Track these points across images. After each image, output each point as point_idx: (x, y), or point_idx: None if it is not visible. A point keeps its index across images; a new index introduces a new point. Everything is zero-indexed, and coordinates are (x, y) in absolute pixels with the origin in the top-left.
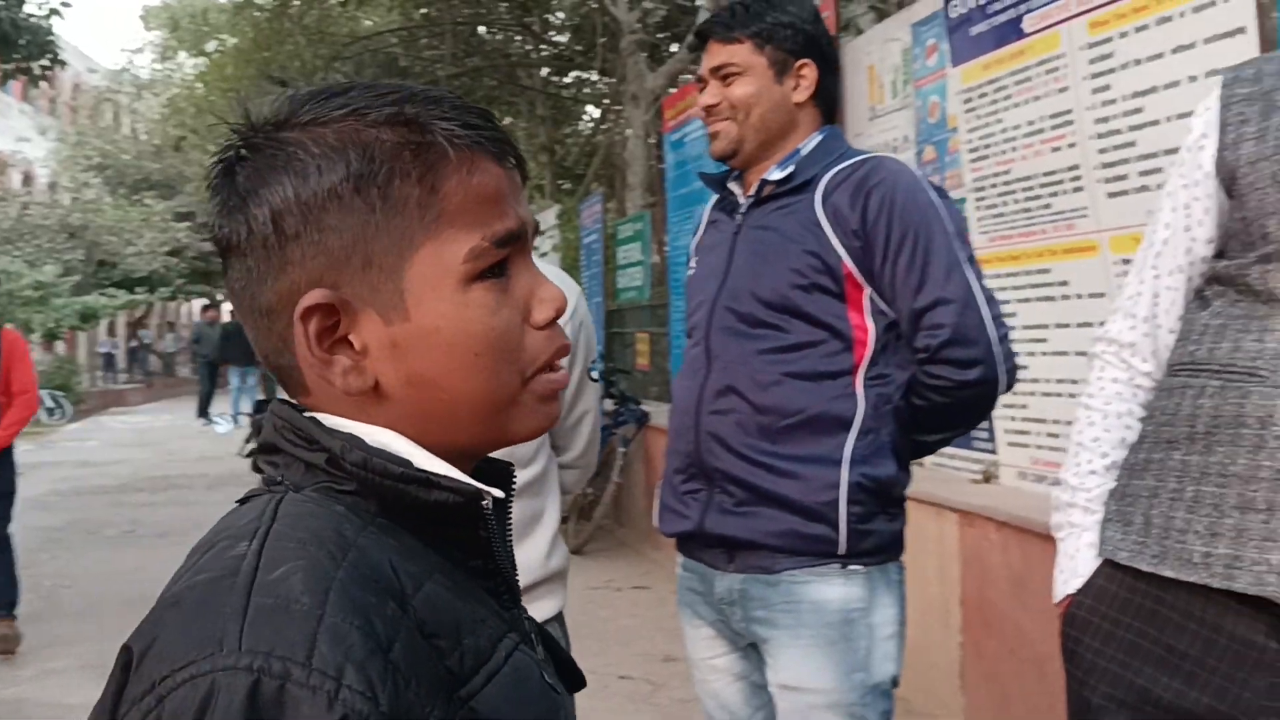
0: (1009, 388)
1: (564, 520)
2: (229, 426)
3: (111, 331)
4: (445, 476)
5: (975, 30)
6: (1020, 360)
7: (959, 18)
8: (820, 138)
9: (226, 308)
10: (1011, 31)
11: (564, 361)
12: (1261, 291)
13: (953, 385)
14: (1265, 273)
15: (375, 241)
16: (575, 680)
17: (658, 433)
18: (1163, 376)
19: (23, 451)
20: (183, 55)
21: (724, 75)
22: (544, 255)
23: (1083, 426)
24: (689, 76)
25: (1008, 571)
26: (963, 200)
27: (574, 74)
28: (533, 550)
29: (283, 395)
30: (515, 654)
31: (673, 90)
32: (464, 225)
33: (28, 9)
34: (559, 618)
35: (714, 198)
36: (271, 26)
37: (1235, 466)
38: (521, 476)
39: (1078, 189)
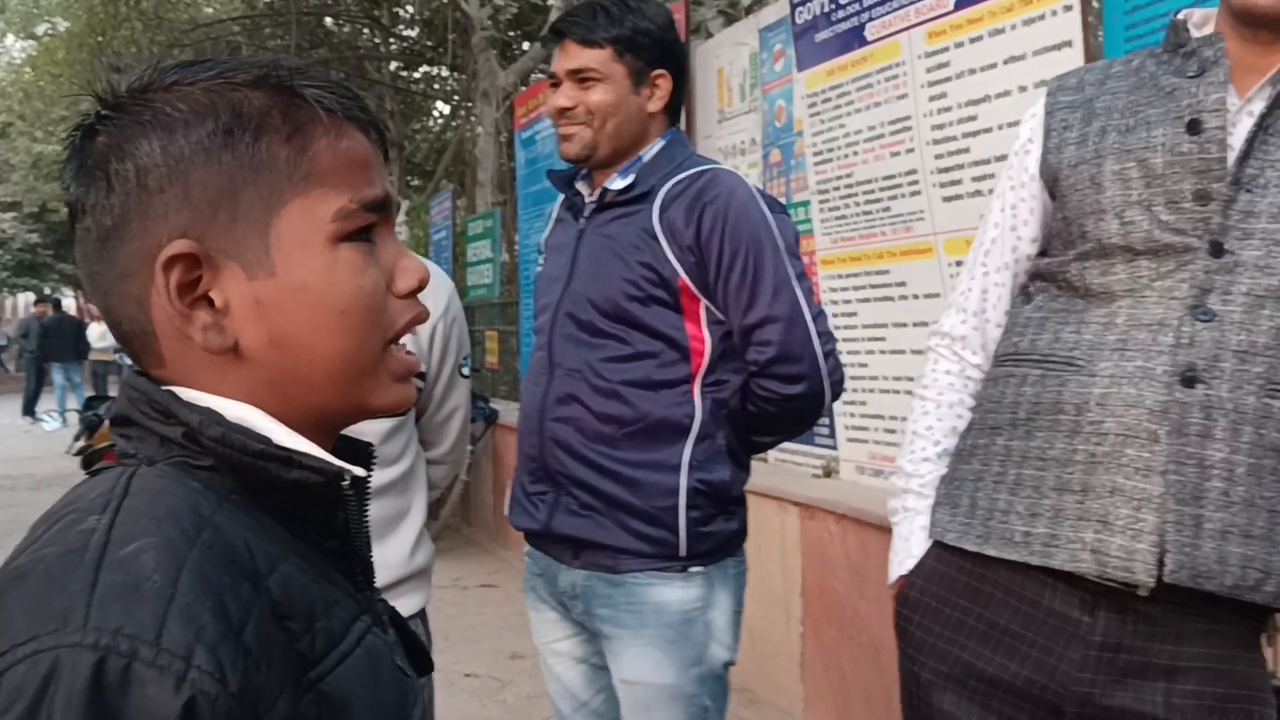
0: (835, 399)
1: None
2: (57, 424)
3: None
4: (305, 454)
5: (820, 37)
6: (860, 359)
7: (805, 24)
8: (662, 144)
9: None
10: (854, 39)
11: (425, 347)
12: (1079, 287)
13: (780, 398)
14: (1083, 269)
15: (242, 195)
16: (424, 665)
17: (506, 431)
18: (991, 367)
19: None
20: (10, 38)
21: (581, 79)
22: None
23: (917, 416)
24: (540, 75)
25: (846, 562)
26: (807, 203)
27: (424, 69)
28: (397, 548)
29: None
30: (367, 637)
31: (524, 88)
32: (333, 185)
33: None
34: (422, 614)
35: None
36: (106, 10)
37: (1053, 450)
38: (387, 475)
39: (915, 193)
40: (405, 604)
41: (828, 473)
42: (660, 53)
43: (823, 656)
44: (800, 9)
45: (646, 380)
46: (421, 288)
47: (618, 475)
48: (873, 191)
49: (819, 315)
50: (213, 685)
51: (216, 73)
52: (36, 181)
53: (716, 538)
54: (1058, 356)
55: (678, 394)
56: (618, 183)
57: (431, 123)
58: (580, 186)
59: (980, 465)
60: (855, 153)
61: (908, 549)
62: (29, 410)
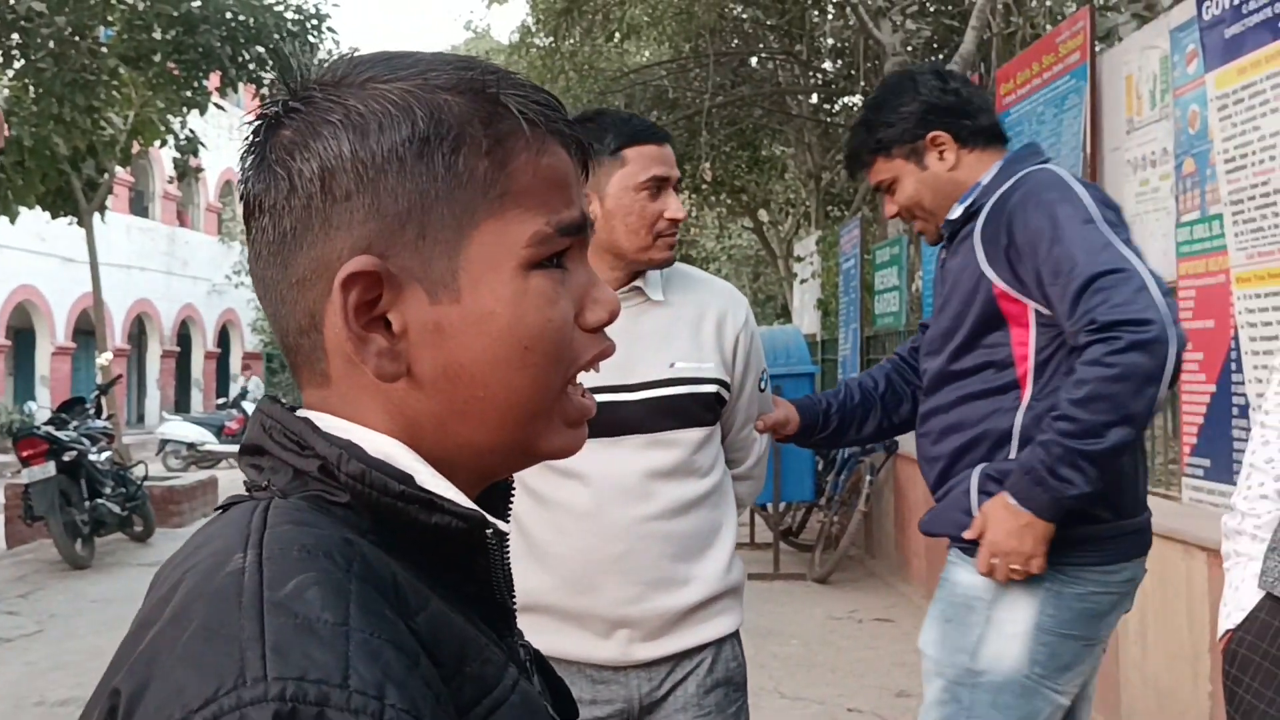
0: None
1: (809, 549)
2: None
3: None
4: (448, 500)
5: (1229, 32)
6: None
7: (1213, 19)
8: (999, 165)
9: None
10: (1267, 32)
11: (729, 360)
12: None
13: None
14: None
15: (434, 211)
16: (569, 710)
17: (907, 461)
18: None
19: None
20: None
21: (885, 189)
22: (804, 282)
23: (1255, 446)
24: None
25: None
26: (1218, 217)
27: (842, 100)
28: (714, 563)
29: (272, 394)
30: (520, 684)
31: None
32: (530, 207)
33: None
34: (735, 636)
35: None
36: (545, 64)
37: None
38: (700, 486)
39: None
40: (720, 624)
41: None
42: (918, 122)
43: None
44: (1208, 3)
45: (977, 392)
46: (611, 321)
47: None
48: None
49: (1156, 276)
50: None
51: (417, 71)
52: (245, 149)
53: None
54: None
55: (1008, 399)
56: (955, 211)
57: None
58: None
59: None
60: (1272, 158)
61: (1237, 600)
62: None
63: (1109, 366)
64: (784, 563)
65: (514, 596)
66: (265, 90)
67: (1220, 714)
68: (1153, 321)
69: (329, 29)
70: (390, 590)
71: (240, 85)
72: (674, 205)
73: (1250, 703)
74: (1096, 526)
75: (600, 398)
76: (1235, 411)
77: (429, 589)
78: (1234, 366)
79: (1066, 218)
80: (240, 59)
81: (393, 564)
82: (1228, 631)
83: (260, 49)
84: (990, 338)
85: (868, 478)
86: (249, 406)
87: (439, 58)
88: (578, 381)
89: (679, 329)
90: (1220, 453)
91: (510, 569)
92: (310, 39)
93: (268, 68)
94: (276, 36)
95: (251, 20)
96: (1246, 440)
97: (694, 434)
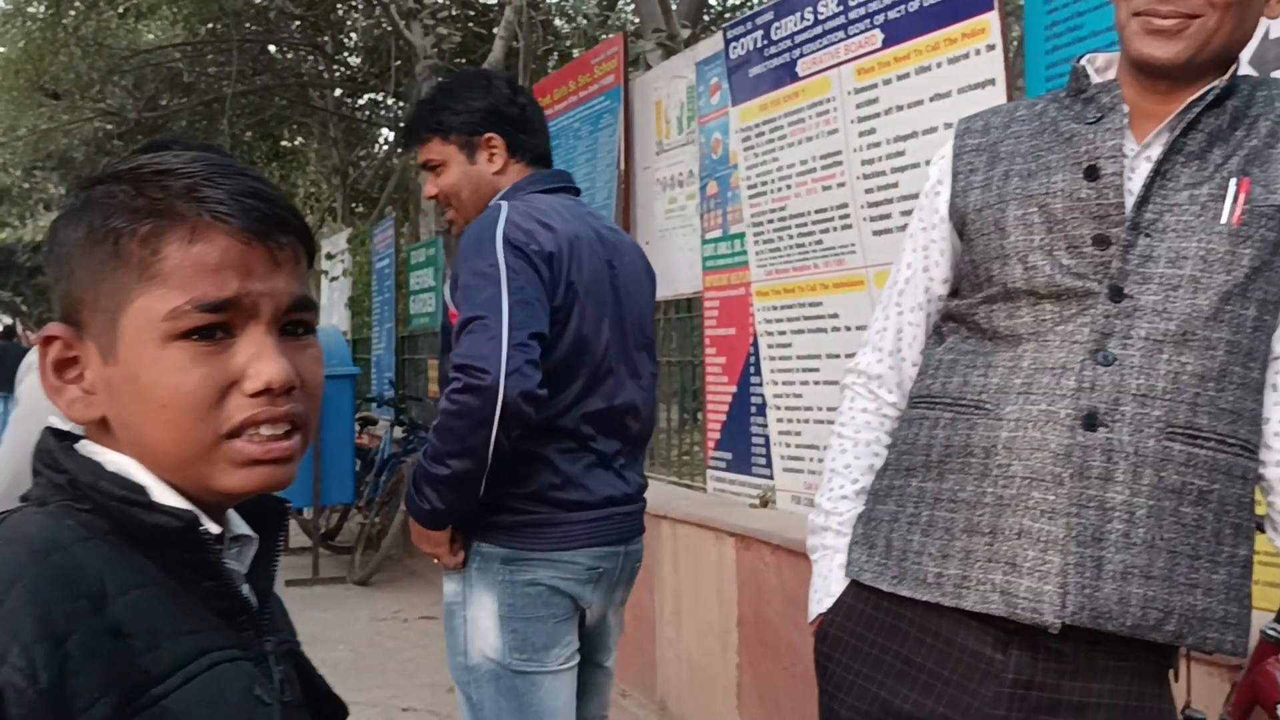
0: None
1: (348, 551)
2: None
3: None
4: (163, 503)
5: (753, 72)
6: (795, 389)
7: (738, 59)
8: (511, 187)
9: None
10: (786, 74)
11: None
12: (987, 330)
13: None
14: (990, 313)
15: (103, 287)
16: (336, 710)
17: None
18: (906, 408)
19: None
20: None
21: (432, 168)
22: (334, 280)
23: (835, 454)
24: None
25: (783, 593)
26: (742, 235)
27: (367, 96)
28: None
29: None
30: (221, 665)
31: None
32: (175, 286)
33: None
34: None
35: None
36: (45, 36)
37: (964, 493)
38: None
39: (846, 226)
40: None
41: (764, 503)
42: (481, 119)
43: (759, 687)
44: (734, 44)
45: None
46: (267, 389)
47: None
48: (805, 225)
49: (515, 321)
50: (23, 680)
51: (133, 167)
52: None
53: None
54: (967, 400)
55: None
56: None
57: (376, 149)
58: None
59: (895, 506)
60: (788, 186)
61: (826, 587)
62: None
63: (451, 404)
64: (323, 567)
65: (267, 593)
66: None
67: (746, 682)
68: (488, 371)
69: None
70: (83, 579)
71: None
72: None
73: (840, 675)
74: (531, 516)
75: None
76: (754, 410)
77: (151, 580)
78: (753, 370)
79: (473, 267)
80: None
81: (106, 561)
82: (819, 615)
83: None
84: None
85: (409, 478)
86: None
87: (162, 149)
88: (252, 431)
89: None
90: (741, 447)
91: (273, 572)
92: None
93: None
94: None
95: None
96: (765, 435)
97: None
